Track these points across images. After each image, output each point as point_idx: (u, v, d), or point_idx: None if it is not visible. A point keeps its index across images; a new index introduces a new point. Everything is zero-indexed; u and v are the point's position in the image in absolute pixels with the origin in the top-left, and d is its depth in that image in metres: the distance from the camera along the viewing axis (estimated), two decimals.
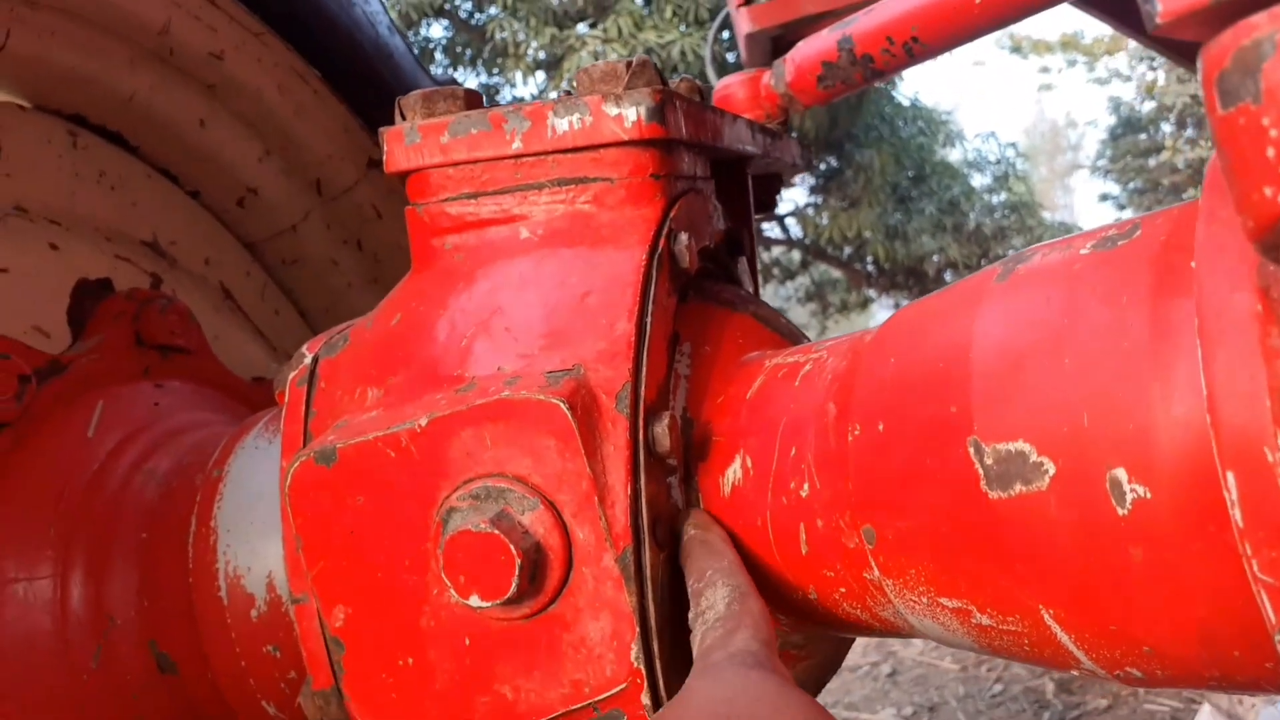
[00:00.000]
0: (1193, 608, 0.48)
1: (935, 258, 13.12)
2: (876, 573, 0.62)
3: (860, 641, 3.71)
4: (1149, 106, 15.45)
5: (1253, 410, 0.41)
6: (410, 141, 0.80)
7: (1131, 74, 16.11)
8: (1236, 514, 0.41)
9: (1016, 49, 16.90)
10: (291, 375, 0.82)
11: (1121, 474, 0.48)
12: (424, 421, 0.67)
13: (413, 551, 0.68)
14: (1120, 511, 0.49)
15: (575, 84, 0.80)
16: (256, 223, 1.44)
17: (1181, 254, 0.49)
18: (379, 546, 0.69)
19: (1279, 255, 0.34)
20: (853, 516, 0.62)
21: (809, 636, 0.76)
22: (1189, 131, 14.56)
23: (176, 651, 0.89)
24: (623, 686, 0.65)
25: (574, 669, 0.66)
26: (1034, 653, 0.56)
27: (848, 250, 13.33)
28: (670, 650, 0.67)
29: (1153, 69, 15.32)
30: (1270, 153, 0.30)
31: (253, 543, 0.87)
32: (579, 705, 0.66)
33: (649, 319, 0.71)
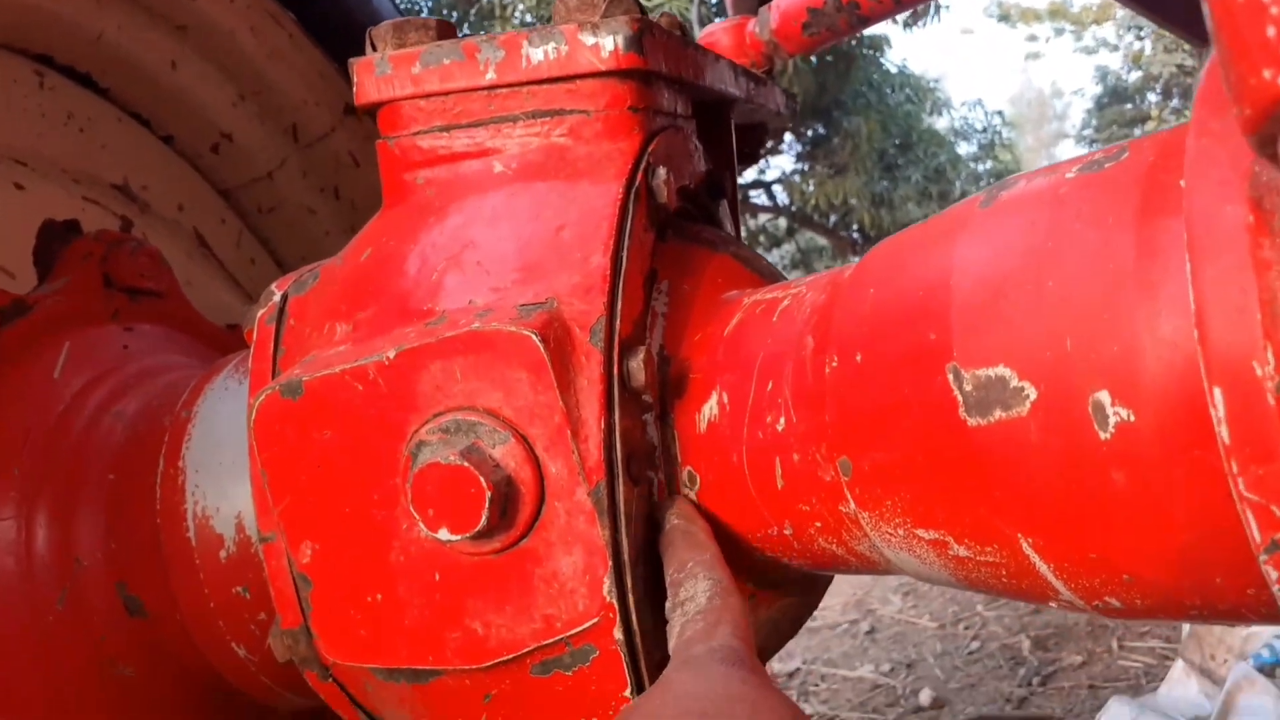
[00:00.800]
0: (1175, 533, 0.47)
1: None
2: (852, 505, 0.61)
3: (839, 599, 3.73)
4: (1135, 76, 15.43)
5: (1242, 324, 0.40)
6: (381, 72, 0.78)
7: (1119, 43, 16.07)
8: (1223, 431, 0.41)
9: (1005, 17, 16.83)
10: (260, 313, 0.81)
11: (1104, 397, 0.47)
12: (392, 354, 0.65)
13: (381, 486, 0.67)
14: (1102, 435, 0.48)
15: (553, 14, 0.78)
16: (231, 169, 1.41)
17: (1170, 174, 0.48)
18: (347, 481, 0.67)
19: (1274, 151, 0.33)
20: (829, 449, 0.61)
21: (785, 577, 0.75)
22: (1175, 101, 14.55)
23: (145, 594, 0.87)
24: (595, 621, 0.64)
25: (546, 604, 0.65)
26: (1012, 584, 0.56)
27: (834, 217, 13.31)
28: (643, 585, 0.66)
29: (1140, 39, 15.29)
30: (1270, 32, 0.29)
31: (221, 483, 0.85)
32: (551, 640, 0.65)
33: (625, 253, 0.69)
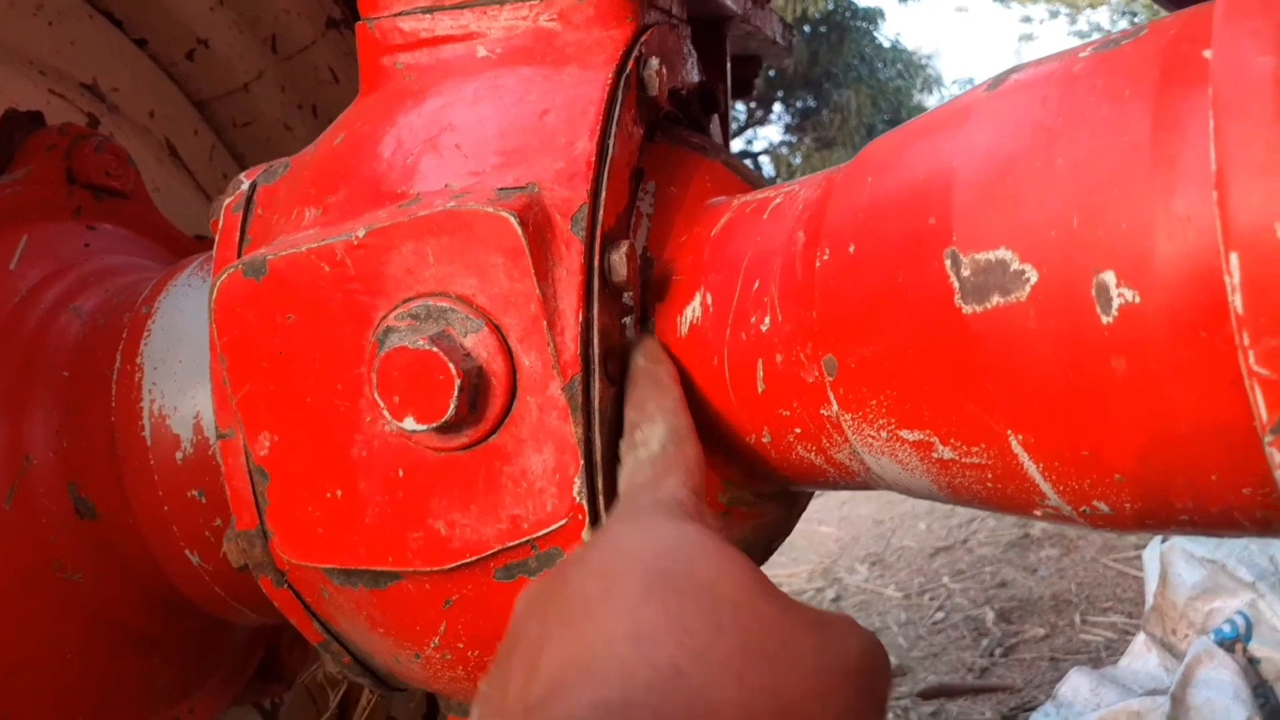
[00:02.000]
0: (1173, 424, 0.45)
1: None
2: (835, 407, 0.58)
3: (805, 567, 3.74)
4: None
5: (1266, 184, 0.37)
6: None
7: (1112, 29, 16.03)
8: (1236, 300, 0.38)
9: None
10: (226, 201, 0.77)
11: (1110, 277, 0.44)
12: (361, 233, 0.62)
13: (346, 375, 0.63)
14: (1105, 319, 0.45)
15: None
16: (206, 78, 1.36)
17: (1192, 44, 0.45)
18: (309, 368, 0.64)
19: None
20: (814, 347, 0.58)
21: (758, 494, 0.73)
22: None
23: (97, 495, 0.84)
24: (563, 522, 0.61)
25: (513, 503, 0.62)
26: (996, 489, 0.53)
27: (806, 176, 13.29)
28: (613, 488, 0.63)
29: (1134, 23, 15.25)
30: None
31: (180, 382, 0.82)
32: (517, 542, 0.62)
33: (612, 141, 0.66)
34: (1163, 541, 2.47)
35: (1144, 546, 3.09)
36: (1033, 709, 2.44)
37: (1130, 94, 0.45)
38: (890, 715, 2.89)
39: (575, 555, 0.49)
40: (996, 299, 0.48)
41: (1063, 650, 2.86)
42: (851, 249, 0.56)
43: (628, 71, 0.69)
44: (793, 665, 0.41)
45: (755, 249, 0.64)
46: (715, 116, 0.97)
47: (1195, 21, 0.46)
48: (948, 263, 0.50)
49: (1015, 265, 0.47)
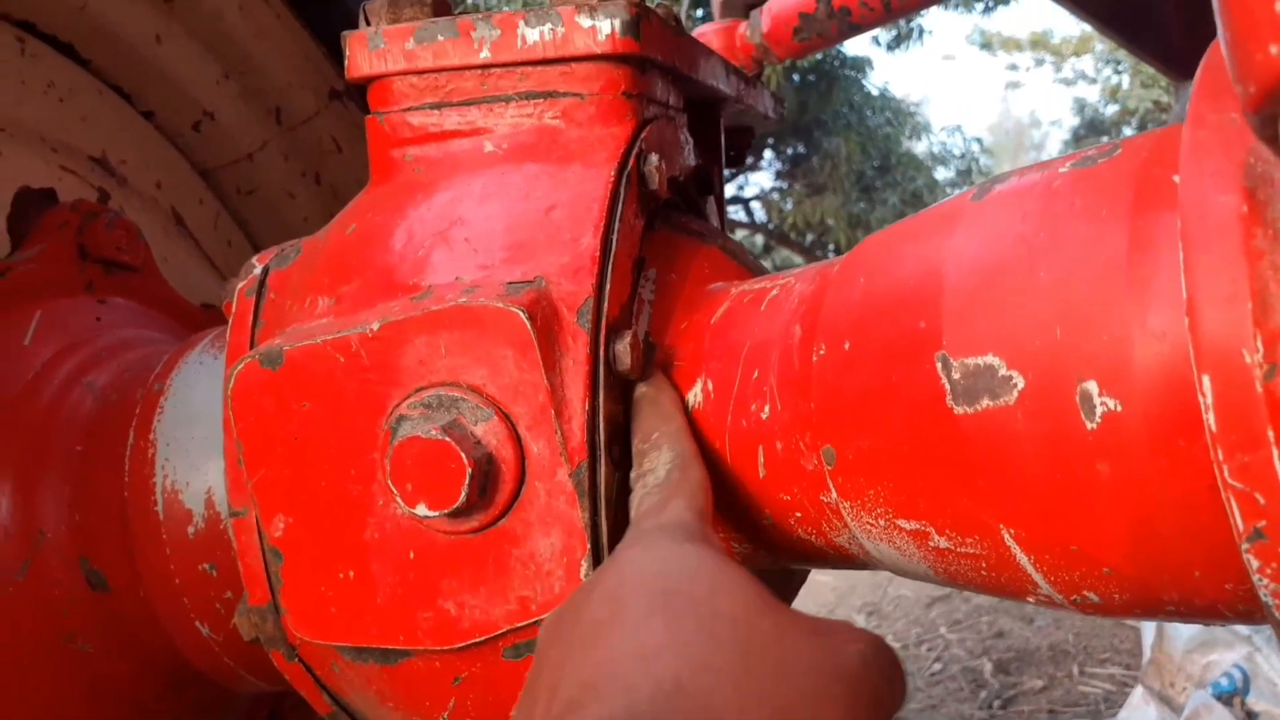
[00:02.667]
0: (1157, 524, 0.47)
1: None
2: (834, 494, 0.61)
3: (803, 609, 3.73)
4: (1112, 110, 15.64)
5: (1232, 312, 0.40)
6: (374, 47, 0.77)
7: (1097, 76, 16.28)
8: (1210, 419, 0.40)
9: (986, 45, 17.02)
10: (240, 285, 0.80)
11: (1093, 386, 0.47)
12: (376, 326, 0.64)
13: (359, 461, 0.66)
14: (1089, 425, 0.48)
15: None
16: (212, 149, 1.39)
17: (1163, 168, 0.48)
18: (324, 454, 0.66)
19: (1274, 132, 0.33)
20: (813, 437, 0.61)
21: (759, 570, 0.75)
22: None
23: (109, 568, 0.86)
24: None
25: (521, 585, 0.64)
26: (991, 577, 0.55)
27: (810, 237, 13.38)
28: None
29: (1118, 73, 15.50)
30: (1279, 7, 0.29)
31: (192, 458, 0.84)
32: (525, 623, 0.64)
33: (615, 236, 0.69)
34: None
35: None
36: None
37: (1106, 214, 0.48)
38: None
39: (588, 583, 0.52)
40: (986, 401, 0.51)
41: (1061, 702, 2.86)
42: (847, 345, 0.59)
43: (629, 169, 0.72)
44: (790, 671, 0.42)
45: (754, 339, 0.67)
46: (711, 198, 1.01)
47: (1164, 145, 0.49)
48: (939, 365, 0.53)
49: (1003, 371, 0.50)
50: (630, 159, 0.73)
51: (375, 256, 0.71)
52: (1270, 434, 0.39)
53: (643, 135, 0.75)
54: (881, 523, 0.59)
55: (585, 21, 0.73)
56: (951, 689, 3.06)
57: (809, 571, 0.83)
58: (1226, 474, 0.40)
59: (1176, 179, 0.46)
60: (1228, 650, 2.36)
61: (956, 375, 0.52)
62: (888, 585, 3.96)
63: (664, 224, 0.81)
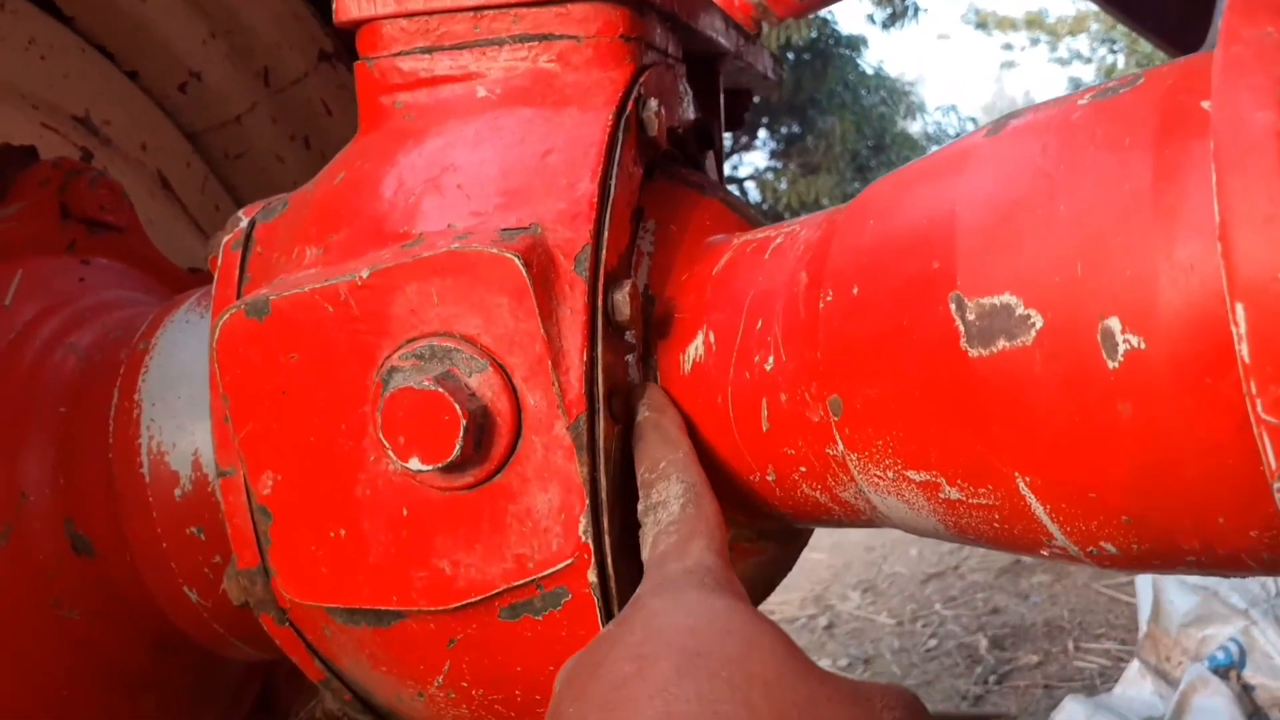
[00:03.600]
0: (1180, 468, 0.45)
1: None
2: (841, 447, 0.58)
3: (798, 594, 3.73)
4: None
5: (1269, 236, 0.38)
6: None
7: (1092, 56, 16.22)
8: (1243, 349, 0.38)
9: (981, 24, 16.94)
10: (225, 239, 0.77)
11: (1115, 323, 0.45)
12: (365, 274, 0.62)
13: (349, 415, 0.63)
14: (1111, 364, 0.45)
15: None
16: (199, 111, 1.36)
17: (1190, 95, 0.46)
18: (312, 408, 0.64)
19: None
20: (819, 387, 0.59)
21: (762, 531, 0.73)
22: None
23: (94, 532, 0.83)
24: (569, 562, 0.61)
25: (518, 542, 0.62)
26: (1003, 529, 0.53)
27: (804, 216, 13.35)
28: (619, 527, 0.63)
29: (1113, 52, 15.44)
30: None
31: (179, 418, 0.81)
32: (521, 581, 0.62)
33: (613, 182, 0.66)
34: None
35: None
36: None
37: (1130, 143, 0.46)
38: None
39: (611, 633, 0.49)
40: (1002, 343, 0.49)
41: (1057, 678, 2.86)
42: (855, 291, 0.56)
43: (627, 113, 0.70)
44: None
45: (757, 289, 0.65)
46: (710, 152, 0.98)
47: (1191, 72, 0.47)
48: (953, 306, 0.50)
49: (1020, 310, 0.48)
50: (629, 103, 0.70)
51: (364, 205, 0.69)
52: None
53: (641, 80, 0.73)
54: (890, 475, 0.56)
55: None
56: (947, 664, 3.06)
57: (809, 534, 0.81)
58: (1260, 409, 0.38)
59: (1205, 104, 0.44)
60: (1224, 624, 2.36)
61: (971, 316, 0.50)
62: (882, 563, 3.96)
63: (663, 175, 0.79)
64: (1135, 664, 2.42)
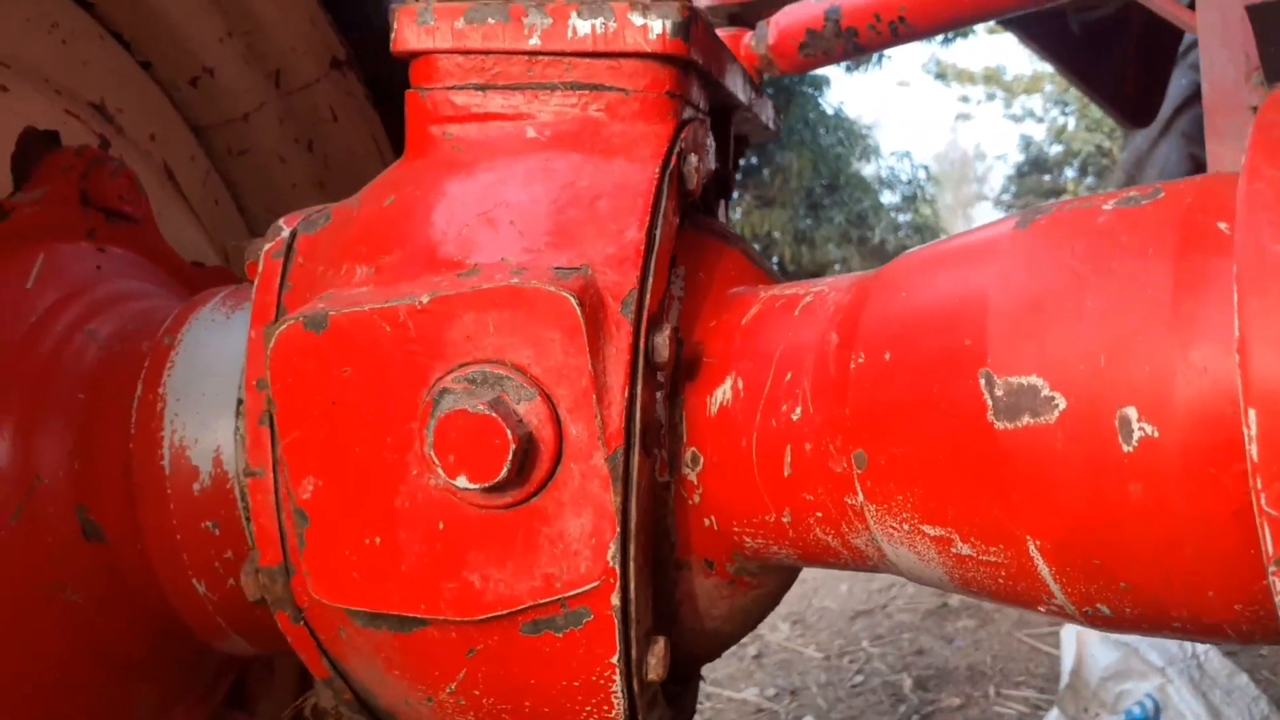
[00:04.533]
0: (1180, 544, 0.50)
1: (838, 267, 13.42)
2: (860, 498, 0.63)
3: None
4: (1057, 150, 16.04)
5: None
6: (423, 22, 0.78)
7: (1044, 116, 16.69)
8: (1253, 449, 0.44)
9: (941, 75, 17.33)
10: (266, 247, 0.80)
11: (1132, 412, 0.51)
12: (426, 299, 0.65)
13: (396, 429, 0.66)
14: (1125, 448, 0.51)
15: None
16: (208, 106, 1.38)
17: (1207, 215, 0.52)
18: (360, 420, 0.67)
19: None
20: (845, 441, 0.63)
21: (764, 567, 0.77)
22: (1090, 179, 15.15)
23: (105, 519, 0.85)
24: (595, 585, 0.65)
25: (548, 562, 0.65)
26: (1007, 585, 0.58)
27: (756, 248, 13.49)
28: (642, 555, 0.67)
29: (1065, 114, 15.90)
30: None
31: (203, 415, 0.84)
32: (547, 600, 0.66)
33: (658, 231, 0.71)
34: None
35: (1059, 625, 3.21)
36: None
37: (1153, 253, 0.52)
38: None
39: None
40: (1027, 419, 0.54)
41: None
42: (887, 356, 0.61)
43: (671, 167, 0.74)
44: None
45: (787, 343, 0.69)
46: (723, 200, 1.03)
47: (1208, 193, 0.53)
48: (982, 381, 0.55)
49: (1046, 391, 0.53)
50: (672, 158, 0.75)
51: (417, 230, 0.72)
52: None
53: (682, 135, 0.77)
54: (905, 527, 0.61)
55: (638, 19, 0.75)
56: (872, 701, 3.13)
57: (798, 572, 0.86)
58: (1264, 501, 0.44)
59: (1222, 226, 0.50)
60: (1141, 680, 2.45)
61: (999, 392, 0.55)
62: (812, 596, 4.02)
63: (690, 223, 0.83)
64: (1054, 712, 2.50)
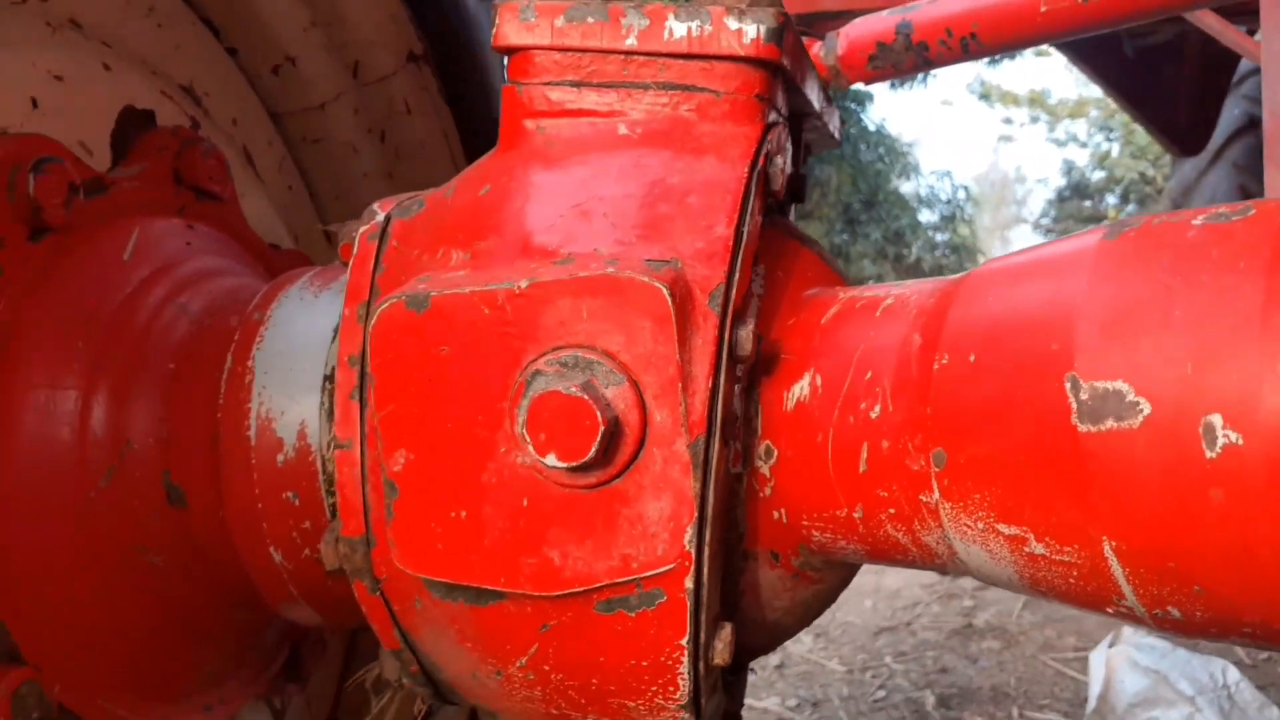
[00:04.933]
0: (1258, 551, 0.52)
1: (872, 283, 13.34)
2: (936, 495, 0.65)
3: None
4: (1099, 175, 15.91)
5: None
6: (524, 19, 0.81)
7: (1088, 141, 16.57)
8: None
9: (985, 96, 17.26)
10: (362, 229, 0.83)
11: (1217, 419, 0.52)
12: (524, 284, 0.68)
13: (488, 407, 0.69)
14: (1209, 454, 0.53)
15: None
16: (287, 93, 1.42)
17: None
18: (455, 397, 0.70)
19: None
20: (924, 439, 0.65)
21: (828, 562, 0.79)
22: (1131, 206, 15.03)
23: (190, 485, 0.88)
24: (671, 567, 0.67)
25: (626, 543, 0.68)
26: (1078, 586, 0.60)
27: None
28: (717, 541, 0.69)
29: (1109, 140, 15.78)
30: None
31: (289, 389, 0.87)
32: (623, 579, 0.68)
33: (745, 229, 0.73)
34: (1110, 645, 2.57)
35: (1085, 649, 3.20)
36: None
37: (1245, 267, 0.54)
38: None
39: None
40: (1111, 423, 0.56)
41: None
42: (972, 358, 0.63)
43: (759, 167, 0.76)
44: None
45: (868, 343, 0.71)
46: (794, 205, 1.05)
47: None
48: (1068, 385, 0.57)
49: (1131, 396, 0.55)
50: (760, 158, 0.77)
51: (512, 219, 0.75)
52: None
53: (769, 137, 0.80)
54: (980, 525, 0.63)
55: (733, 24, 0.78)
56: (894, 717, 3.13)
57: (856, 572, 0.88)
58: None
59: None
60: (1170, 709, 2.45)
61: (1084, 396, 0.57)
62: (835, 610, 4.03)
63: (769, 223, 0.85)
64: None
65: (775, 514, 0.75)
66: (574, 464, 0.66)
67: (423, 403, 0.70)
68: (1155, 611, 0.58)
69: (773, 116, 0.83)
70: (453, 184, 0.84)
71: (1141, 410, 0.55)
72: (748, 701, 3.43)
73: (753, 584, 0.79)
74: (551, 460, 0.66)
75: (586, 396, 0.65)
